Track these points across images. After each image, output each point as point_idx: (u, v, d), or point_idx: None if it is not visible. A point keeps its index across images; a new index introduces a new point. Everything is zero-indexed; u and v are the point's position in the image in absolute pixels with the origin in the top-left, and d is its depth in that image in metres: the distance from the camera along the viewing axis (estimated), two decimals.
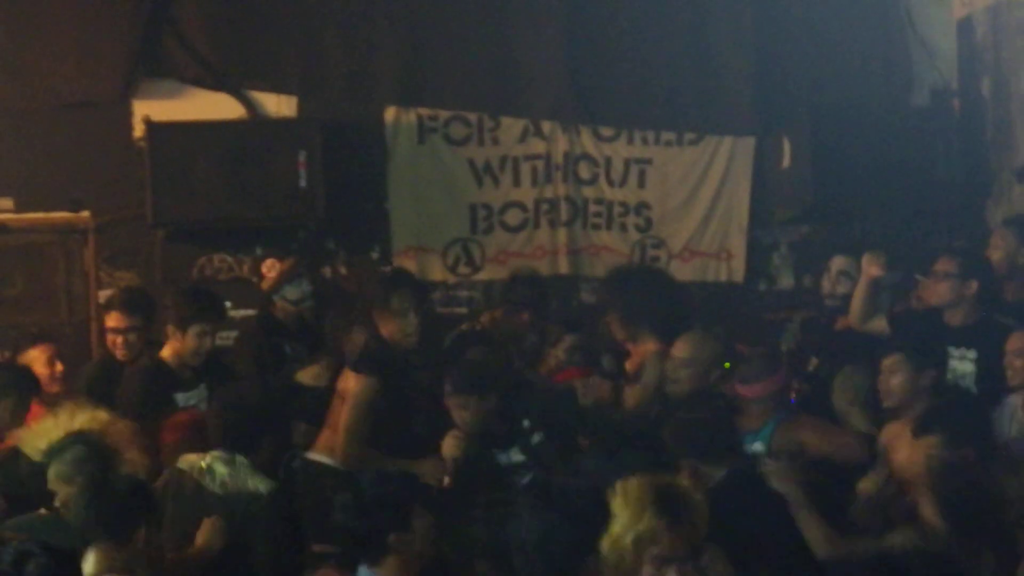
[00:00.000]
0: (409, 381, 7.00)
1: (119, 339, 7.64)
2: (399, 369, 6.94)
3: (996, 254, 7.59)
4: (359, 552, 5.01)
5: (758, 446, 6.47)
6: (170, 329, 7.33)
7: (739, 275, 9.63)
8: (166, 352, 7.32)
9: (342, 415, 6.75)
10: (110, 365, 7.61)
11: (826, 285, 8.15)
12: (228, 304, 9.05)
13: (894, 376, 6.58)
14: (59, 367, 7.82)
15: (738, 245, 9.61)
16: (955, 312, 7.17)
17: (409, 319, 7.08)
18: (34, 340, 7.92)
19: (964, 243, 8.64)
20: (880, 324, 7.49)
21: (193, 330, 7.24)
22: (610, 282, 7.99)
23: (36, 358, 7.70)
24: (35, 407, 7.48)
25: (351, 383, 6.82)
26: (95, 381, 7.51)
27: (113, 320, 7.72)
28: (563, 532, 4.83)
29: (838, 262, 8.11)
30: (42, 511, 5.78)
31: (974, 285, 7.13)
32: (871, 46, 9.49)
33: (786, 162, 9.22)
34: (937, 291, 7.25)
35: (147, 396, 7.09)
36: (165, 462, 6.50)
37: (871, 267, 7.49)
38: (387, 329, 7.09)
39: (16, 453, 6.22)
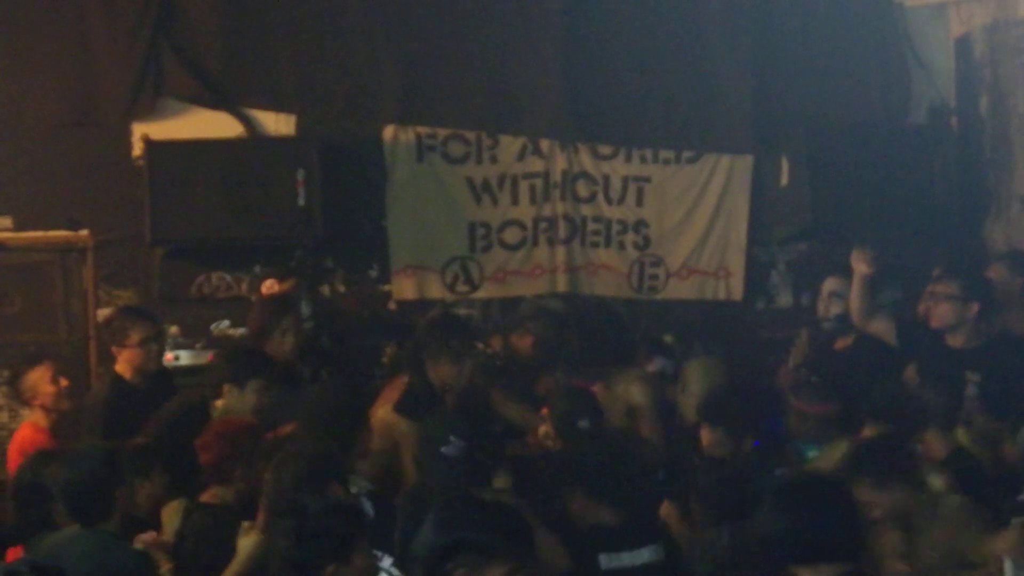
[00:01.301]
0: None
1: None
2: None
3: None
4: None
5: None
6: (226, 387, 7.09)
7: (737, 293, 9.62)
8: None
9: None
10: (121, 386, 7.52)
11: (820, 308, 8.14)
12: (227, 322, 9.17)
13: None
14: (64, 382, 7.77)
15: (736, 263, 9.60)
16: (956, 335, 7.17)
17: (465, 364, 7.03)
18: (33, 360, 7.89)
19: (963, 262, 8.64)
20: (881, 326, 7.50)
21: (251, 386, 7.05)
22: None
23: (41, 376, 7.65)
24: (30, 430, 7.52)
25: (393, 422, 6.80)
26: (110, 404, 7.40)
27: None
28: None
29: (829, 284, 8.09)
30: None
31: (975, 307, 7.13)
32: (869, 65, 9.49)
33: (784, 180, 9.23)
34: (938, 313, 7.25)
35: None
36: None
37: (859, 264, 7.52)
38: (440, 373, 7.03)
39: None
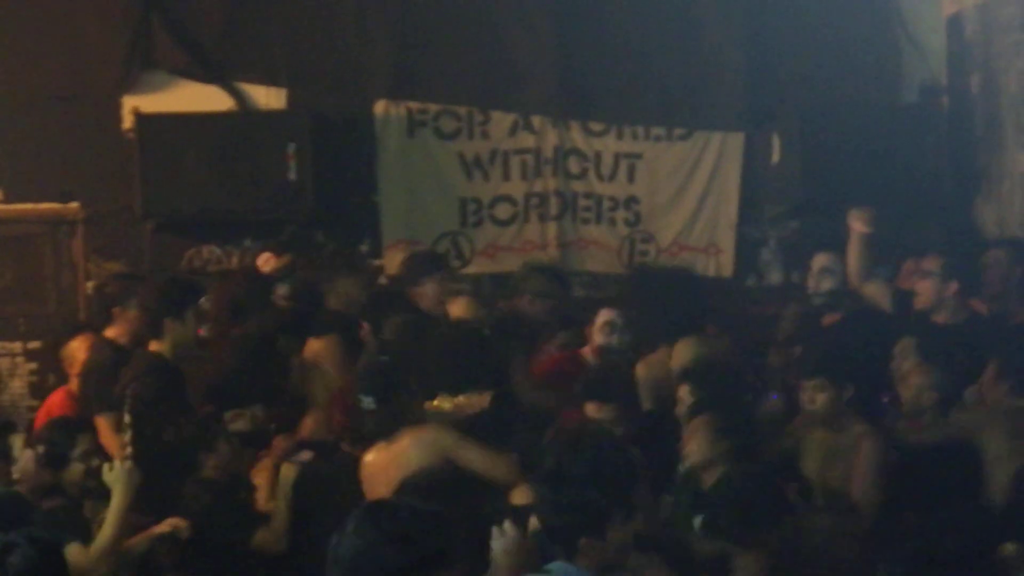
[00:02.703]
0: None
1: None
2: None
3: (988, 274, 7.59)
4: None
5: None
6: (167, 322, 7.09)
7: (728, 270, 9.63)
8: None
9: None
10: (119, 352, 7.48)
11: (811, 283, 8.14)
12: None
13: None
14: None
15: (727, 240, 9.61)
16: (939, 314, 7.18)
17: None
18: (74, 329, 7.94)
19: (955, 239, 8.65)
20: (877, 290, 7.52)
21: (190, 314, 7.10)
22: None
23: (79, 346, 7.67)
24: (62, 395, 7.53)
25: None
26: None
27: None
28: None
29: (820, 260, 8.09)
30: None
31: (954, 286, 7.14)
32: (861, 43, 9.49)
33: (775, 158, 9.23)
34: (921, 289, 7.28)
35: None
36: None
37: (855, 223, 7.57)
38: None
39: None
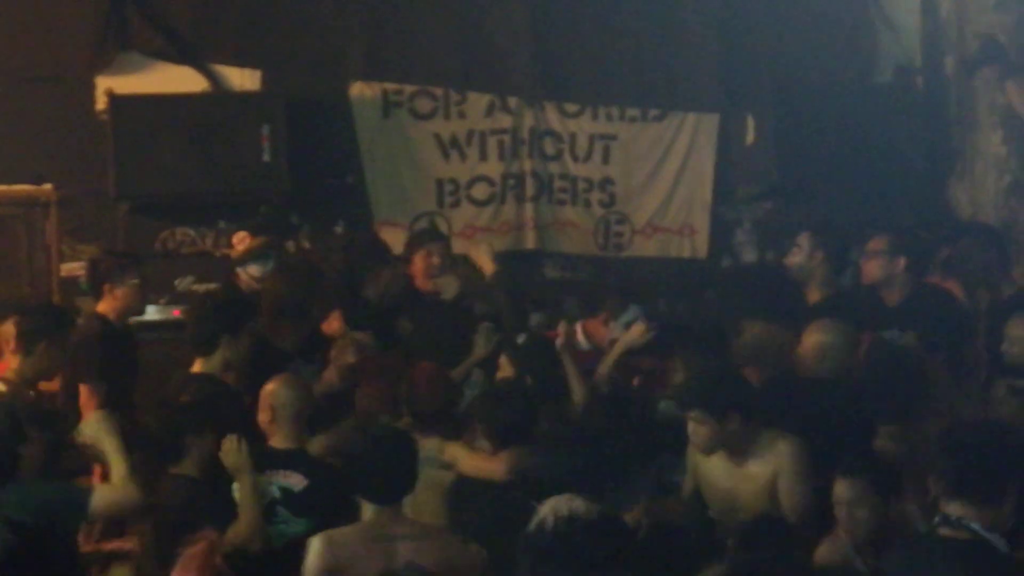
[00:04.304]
0: None
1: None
2: None
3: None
4: None
5: None
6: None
7: (702, 251, 9.65)
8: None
9: None
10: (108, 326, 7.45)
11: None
12: (191, 278, 9.16)
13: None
14: None
15: (702, 221, 9.63)
16: (891, 292, 7.17)
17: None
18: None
19: (927, 219, 8.67)
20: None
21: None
22: None
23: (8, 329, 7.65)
24: None
25: None
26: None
27: None
28: None
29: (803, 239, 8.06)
30: None
31: (901, 262, 7.14)
32: (835, 23, 9.51)
33: (750, 139, 9.26)
34: (868, 269, 7.28)
35: None
36: None
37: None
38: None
39: None
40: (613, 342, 7.89)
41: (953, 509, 4.23)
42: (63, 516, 5.40)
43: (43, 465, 6.15)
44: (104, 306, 7.42)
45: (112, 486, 5.56)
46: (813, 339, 6.46)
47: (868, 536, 5.35)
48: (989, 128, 8.91)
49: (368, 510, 5.20)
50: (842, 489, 5.38)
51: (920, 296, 7.11)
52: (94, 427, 5.79)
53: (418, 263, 7.83)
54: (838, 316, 6.65)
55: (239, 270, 8.15)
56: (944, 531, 4.24)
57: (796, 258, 7.32)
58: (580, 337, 8.04)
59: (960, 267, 7.63)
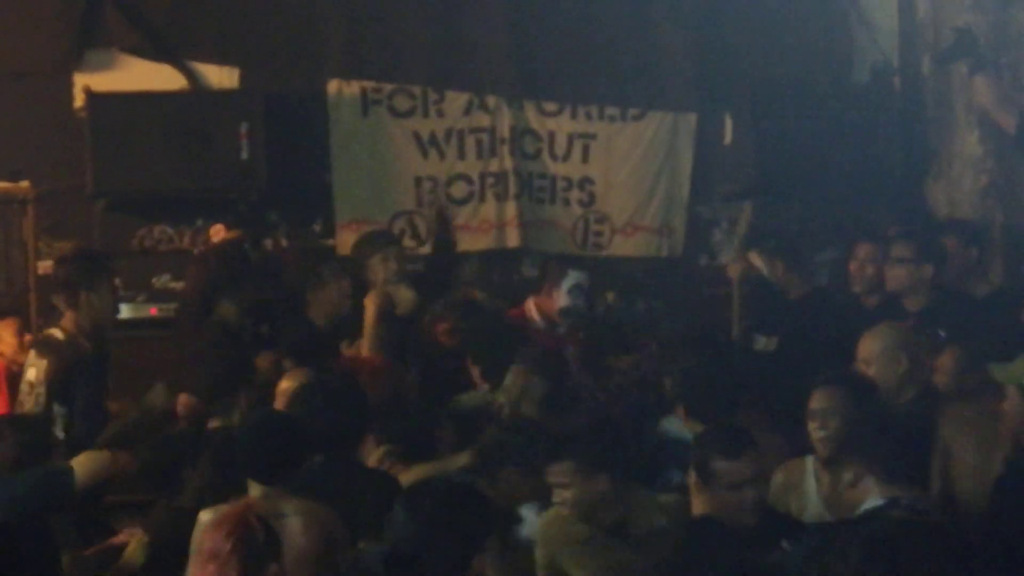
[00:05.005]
0: None
1: None
2: None
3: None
4: None
5: None
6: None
7: (680, 250, 9.66)
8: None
9: None
10: None
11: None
12: (168, 275, 9.15)
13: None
14: (27, 337, 7.87)
15: (679, 221, 9.64)
16: (914, 298, 7.16)
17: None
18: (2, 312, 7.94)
19: (914, 223, 8.67)
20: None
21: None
22: None
23: (6, 328, 7.62)
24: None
25: None
26: None
27: None
28: None
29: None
30: None
31: (929, 270, 7.12)
32: (813, 23, 9.51)
33: (728, 139, 9.26)
34: (894, 276, 7.24)
35: None
36: None
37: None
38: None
39: None
40: (563, 311, 7.97)
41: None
42: (53, 500, 5.36)
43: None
44: (74, 316, 7.25)
45: (86, 454, 5.63)
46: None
47: (835, 452, 5.38)
48: (966, 128, 8.92)
49: (255, 489, 5.30)
50: (817, 400, 5.42)
51: (943, 302, 7.10)
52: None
53: (374, 269, 7.71)
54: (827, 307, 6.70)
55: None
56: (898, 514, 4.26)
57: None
58: (535, 315, 8.13)
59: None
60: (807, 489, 5.51)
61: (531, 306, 8.24)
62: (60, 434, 6.71)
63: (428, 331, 7.90)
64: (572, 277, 8.07)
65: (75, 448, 6.37)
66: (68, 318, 7.12)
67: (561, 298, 8.10)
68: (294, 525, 5.04)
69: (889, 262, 7.28)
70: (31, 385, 6.94)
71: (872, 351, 6.24)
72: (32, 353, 7.09)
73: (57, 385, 6.88)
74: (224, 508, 5.08)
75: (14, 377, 7.63)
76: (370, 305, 7.30)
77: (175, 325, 8.32)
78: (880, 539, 3.96)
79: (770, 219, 9.14)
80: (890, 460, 5.40)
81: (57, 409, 6.84)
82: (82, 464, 5.54)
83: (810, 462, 5.56)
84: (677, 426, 6.20)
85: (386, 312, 7.47)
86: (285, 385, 6.38)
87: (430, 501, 4.67)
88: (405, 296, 7.75)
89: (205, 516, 5.33)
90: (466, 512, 4.63)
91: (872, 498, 5.21)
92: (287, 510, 5.09)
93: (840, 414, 5.38)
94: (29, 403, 6.86)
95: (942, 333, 6.80)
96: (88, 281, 7.15)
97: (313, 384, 5.95)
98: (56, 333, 7.05)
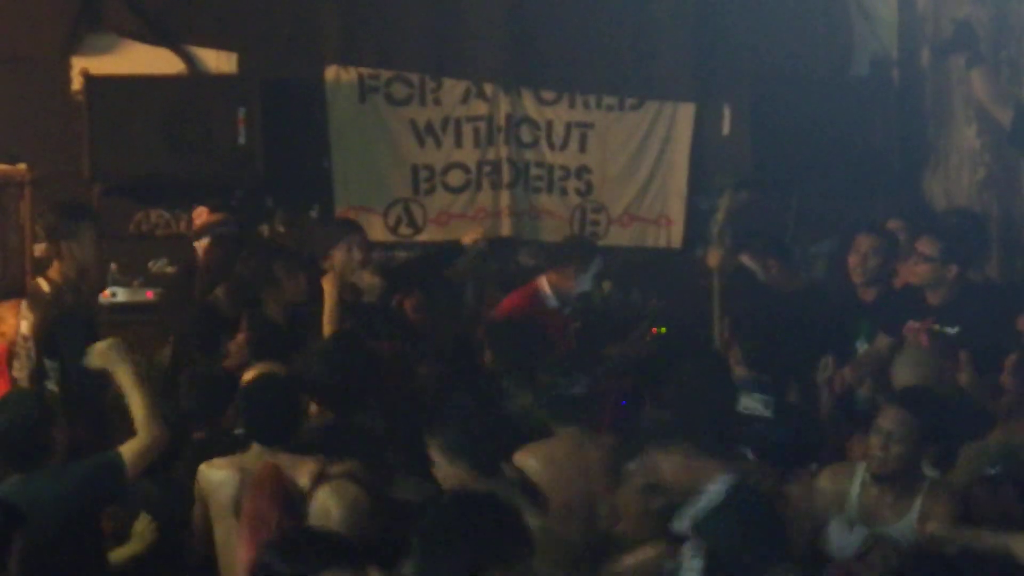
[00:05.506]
0: None
1: None
2: None
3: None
4: None
5: None
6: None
7: (677, 241, 9.65)
8: None
9: None
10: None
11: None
12: (165, 260, 9.14)
13: None
14: None
15: (677, 211, 9.63)
16: (936, 292, 7.14)
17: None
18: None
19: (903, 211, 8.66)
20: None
21: None
22: None
23: (7, 310, 7.63)
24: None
25: None
26: None
27: None
28: None
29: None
30: None
31: (953, 270, 7.09)
32: (812, 14, 9.50)
33: (726, 129, 9.24)
34: (916, 272, 7.20)
35: None
36: None
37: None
38: None
39: None
40: (581, 295, 8.01)
41: None
42: (106, 489, 5.23)
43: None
44: (59, 266, 7.23)
45: (136, 438, 5.22)
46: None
47: (888, 474, 5.41)
48: (964, 121, 8.93)
49: (255, 449, 5.47)
50: (886, 419, 5.42)
51: (966, 295, 7.04)
52: (104, 354, 5.42)
53: (337, 258, 7.59)
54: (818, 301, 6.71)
55: (195, 244, 8.16)
56: None
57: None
58: (546, 289, 8.13)
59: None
60: (851, 492, 5.50)
61: (544, 283, 8.20)
62: (54, 388, 6.69)
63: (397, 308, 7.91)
64: (598, 264, 8.14)
65: (71, 402, 6.36)
66: (54, 268, 7.21)
67: (586, 281, 8.16)
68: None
69: (914, 257, 7.20)
70: (24, 339, 7.01)
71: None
72: (24, 305, 7.13)
73: (45, 339, 6.88)
74: (238, 464, 5.40)
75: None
76: (328, 287, 7.22)
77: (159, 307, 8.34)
78: None
79: (761, 211, 9.11)
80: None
81: (48, 363, 6.82)
82: (132, 448, 5.26)
83: (861, 469, 5.55)
84: (752, 403, 6.18)
85: (346, 297, 7.41)
86: (248, 377, 6.18)
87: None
88: (371, 283, 7.70)
89: (206, 468, 5.50)
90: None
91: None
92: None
93: (904, 443, 5.38)
94: (22, 355, 6.94)
95: (951, 330, 6.83)
96: (69, 231, 7.16)
97: (320, 346, 6.12)
98: (42, 283, 7.09)
